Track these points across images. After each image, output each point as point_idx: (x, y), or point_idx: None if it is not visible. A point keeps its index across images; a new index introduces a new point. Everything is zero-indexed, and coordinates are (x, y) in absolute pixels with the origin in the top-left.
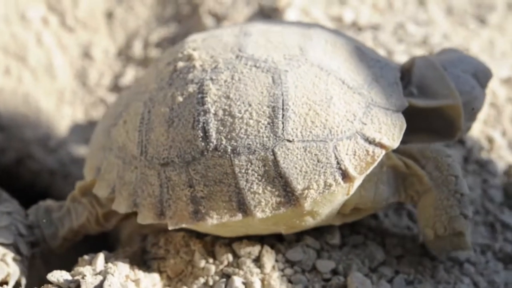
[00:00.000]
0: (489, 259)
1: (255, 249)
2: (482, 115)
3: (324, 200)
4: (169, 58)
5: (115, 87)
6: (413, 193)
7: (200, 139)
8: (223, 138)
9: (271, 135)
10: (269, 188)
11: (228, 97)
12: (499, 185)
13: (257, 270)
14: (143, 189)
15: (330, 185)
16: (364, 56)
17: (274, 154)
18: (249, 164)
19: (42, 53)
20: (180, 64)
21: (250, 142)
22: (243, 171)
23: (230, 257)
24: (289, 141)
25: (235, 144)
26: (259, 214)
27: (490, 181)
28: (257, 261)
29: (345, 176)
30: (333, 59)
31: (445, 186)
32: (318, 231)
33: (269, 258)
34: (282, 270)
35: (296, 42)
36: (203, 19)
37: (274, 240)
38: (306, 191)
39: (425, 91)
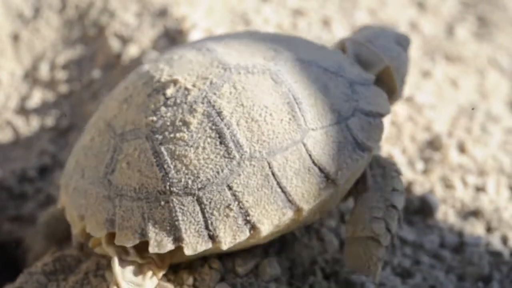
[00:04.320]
0: (388, 274)
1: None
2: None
3: (353, 176)
4: (146, 90)
5: (22, 110)
6: (354, 189)
7: (234, 151)
8: (254, 144)
9: (297, 128)
10: (307, 178)
11: (242, 106)
12: None
13: None
14: (183, 220)
15: (357, 160)
16: (316, 45)
17: (304, 145)
18: (285, 161)
19: None
20: (169, 90)
21: (281, 140)
22: (281, 169)
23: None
24: (313, 130)
25: (267, 146)
26: (305, 206)
27: None
28: None
29: (365, 148)
30: (304, 52)
31: (380, 191)
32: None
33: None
34: None
35: (266, 46)
36: (109, 41)
37: (178, 268)
38: (339, 172)
39: (362, 67)
